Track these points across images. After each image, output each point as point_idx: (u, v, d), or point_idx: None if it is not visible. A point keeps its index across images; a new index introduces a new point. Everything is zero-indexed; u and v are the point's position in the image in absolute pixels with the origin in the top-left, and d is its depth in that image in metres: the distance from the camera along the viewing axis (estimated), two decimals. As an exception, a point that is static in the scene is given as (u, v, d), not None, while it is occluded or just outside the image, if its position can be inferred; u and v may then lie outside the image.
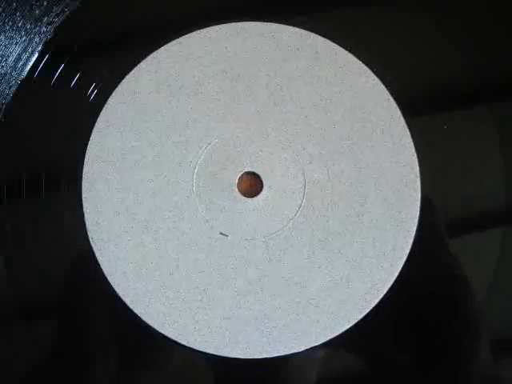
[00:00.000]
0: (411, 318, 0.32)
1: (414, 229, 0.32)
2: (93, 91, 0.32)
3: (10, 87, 0.32)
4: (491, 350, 0.32)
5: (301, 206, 0.32)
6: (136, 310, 0.31)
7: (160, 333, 0.31)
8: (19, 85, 0.33)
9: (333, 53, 0.33)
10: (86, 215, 0.32)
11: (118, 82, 0.32)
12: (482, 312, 0.32)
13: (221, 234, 0.32)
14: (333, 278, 0.32)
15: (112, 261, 0.32)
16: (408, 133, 0.32)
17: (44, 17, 0.33)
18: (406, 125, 0.32)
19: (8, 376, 0.33)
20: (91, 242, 0.32)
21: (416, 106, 0.33)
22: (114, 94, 0.32)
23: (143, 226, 0.32)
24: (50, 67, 0.33)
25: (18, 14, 0.33)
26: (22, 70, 0.33)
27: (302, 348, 0.31)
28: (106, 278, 0.32)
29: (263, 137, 0.32)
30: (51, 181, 0.32)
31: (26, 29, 0.33)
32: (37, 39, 0.33)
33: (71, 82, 0.32)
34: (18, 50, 0.33)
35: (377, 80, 0.32)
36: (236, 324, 0.32)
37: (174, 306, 0.32)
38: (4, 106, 0.32)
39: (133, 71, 0.32)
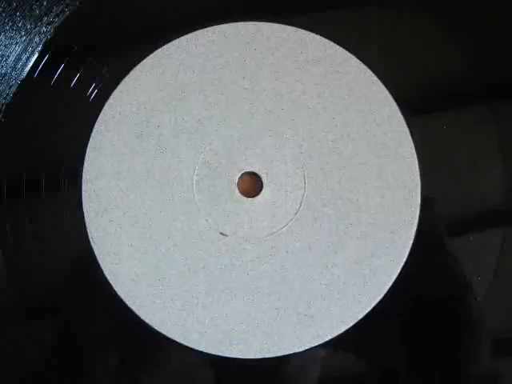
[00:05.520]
0: (411, 318, 0.32)
1: (414, 229, 0.32)
2: (93, 91, 0.32)
3: (10, 87, 0.33)
4: (491, 349, 0.32)
5: (301, 205, 0.32)
6: (136, 310, 0.31)
7: (160, 333, 0.31)
8: (19, 85, 0.33)
9: (333, 53, 0.33)
10: (85, 215, 0.32)
11: (118, 82, 0.32)
12: (482, 312, 0.32)
13: (221, 233, 0.32)
14: (332, 277, 0.32)
15: (112, 261, 0.32)
16: (408, 133, 0.32)
17: (44, 17, 0.33)
18: (406, 125, 0.32)
19: (8, 376, 0.33)
20: (91, 242, 0.32)
21: (416, 105, 0.33)
22: (113, 94, 0.32)
23: (143, 226, 0.32)
24: (50, 67, 0.33)
25: (17, 13, 0.33)
26: (22, 70, 0.33)
27: (302, 348, 0.31)
28: (105, 278, 0.32)
29: (263, 137, 0.32)
30: (51, 181, 0.32)
31: (26, 29, 0.33)
32: (37, 39, 0.33)
33: (71, 82, 0.32)
34: (18, 50, 0.33)
35: (377, 80, 0.32)
36: (236, 324, 0.32)
37: (174, 305, 0.32)
38: (4, 106, 0.32)
39: (133, 71, 0.32)
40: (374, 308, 0.32)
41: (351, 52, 0.33)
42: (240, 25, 0.33)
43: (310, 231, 0.32)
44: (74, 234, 0.32)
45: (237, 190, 0.32)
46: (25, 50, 0.33)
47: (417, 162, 0.32)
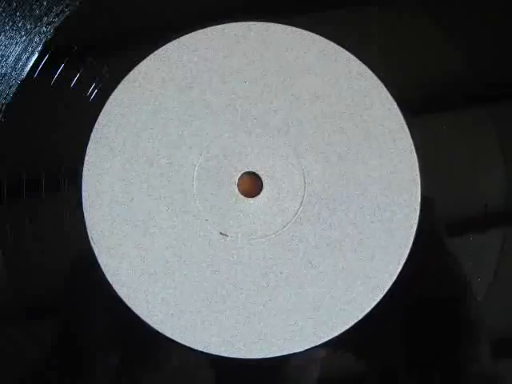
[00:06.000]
0: (411, 318, 0.32)
1: (414, 229, 0.32)
2: (93, 91, 0.32)
3: (10, 87, 0.32)
4: (491, 350, 0.32)
5: (301, 205, 0.32)
6: (136, 310, 0.31)
7: (160, 333, 0.31)
8: (19, 85, 0.33)
9: (333, 53, 0.33)
10: (85, 215, 0.32)
11: (118, 82, 0.32)
12: (482, 312, 0.32)
13: (221, 233, 0.32)
14: (333, 278, 0.32)
15: (112, 261, 0.32)
16: (408, 133, 0.32)
17: (44, 17, 0.33)
18: (406, 125, 0.32)
19: (8, 376, 0.33)
20: (91, 242, 0.32)
21: (416, 105, 0.33)
22: (113, 94, 0.32)
23: (143, 226, 0.32)
24: (50, 67, 0.33)
25: (18, 13, 0.33)
26: (22, 70, 0.33)
27: (302, 348, 0.32)
28: (105, 278, 0.32)
29: (263, 137, 0.32)
30: (51, 181, 0.32)
31: (26, 29, 0.33)
32: (37, 39, 0.33)
33: (71, 82, 0.32)
34: (18, 50, 0.33)
35: (377, 80, 0.32)
36: (236, 324, 0.32)
37: (174, 305, 0.32)
38: (4, 106, 0.32)
39: (133, 71, 0.32)
40: (374, 308, 0.32)
41: (351, 52, 0.33)
42: (240, 25, 0.33)
43: (309, 231, 0.32)
44: (74, 234, 0.32)
45: (237, 190, 0.32)
46: (25, 49, 0.33)
47: (417, 162, 0.32)
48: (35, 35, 0.33)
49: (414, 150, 0.32)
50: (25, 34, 0.33)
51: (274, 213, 0.32)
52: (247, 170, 0.33)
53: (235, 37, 0.33)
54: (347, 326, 0.32)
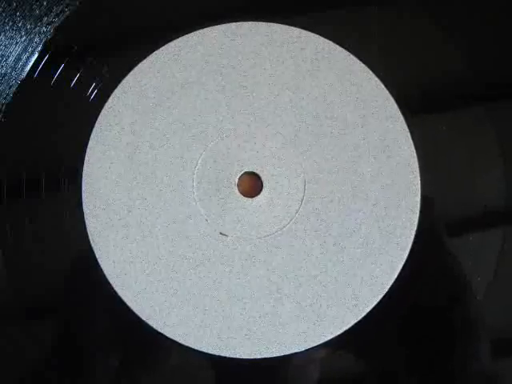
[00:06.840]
0: (411, 318, 0.32)
1: (414, 229, 0.32)
2: (93, 91, 0.32)
3: (10, 87, 0.32)
4: (490, 349, 0.33)
5: (301, 205, 0.32)
6: (136, 310, 0.31)
7: (160, 333, 0.31)
8: (19, 85, 0.33)
9: (333, 53, 0.33)
10: (85, 215, 0.32)
11: (118, 82, 0.32)
12: (482, 312, 0.32)
13: (221, 233, 0.32)
14: (333, 278, 0.32)
15: (112, 261, 0.32)
16: (408, 133, 0.32)
17: (44, 17, 0.33)
18: (406, 125, 0.32)
19: (8, 376, 0.33)
20: (91, 242, 0.32)
21: (416, 106, 0.33)
22: (113, 93, 0.32)
23: (143, 226, 0.32)
24: (50, 67, 0.33)
25: (17, 13, 0.33)
26: (22, 70, 0.33)
27: (303, 348, 0.32)
28: (105, 278, 0.32)
29: (263, 137, 0.32)
30: (51, 181, 0.32)
31: (26, 29, 0.33)
32: (37, 39, 0.33)
33: (71, 82, 0.32)
34: (18, 50, 0.33)
35: (377, 80, 0.32)
36: (236, 324, 0.32)
37: (175, 305, 0.32)
38: (4, 106, 0.32)
39: (133, 71, 0.32)
40: (374, 308, 0.32)
41: (351, 52, 0.33)
42: (240, 25, 0.33)
43: (309, 231, 0.32)
44: (74, 234, 0.32)
45: (237, 190, 0.32)
46: (25, 49, 0.33)
47: (417, 162, 0.32)
48: (35, 35, 0.33)
49: (413, 150, 0.32)
50: (25, 34, 0.33)
51: (274, 213, 0.32)
52: (247, 170, 0.33)
53: (235, 37, 0.33)
54: (347, 326, 0.32)
